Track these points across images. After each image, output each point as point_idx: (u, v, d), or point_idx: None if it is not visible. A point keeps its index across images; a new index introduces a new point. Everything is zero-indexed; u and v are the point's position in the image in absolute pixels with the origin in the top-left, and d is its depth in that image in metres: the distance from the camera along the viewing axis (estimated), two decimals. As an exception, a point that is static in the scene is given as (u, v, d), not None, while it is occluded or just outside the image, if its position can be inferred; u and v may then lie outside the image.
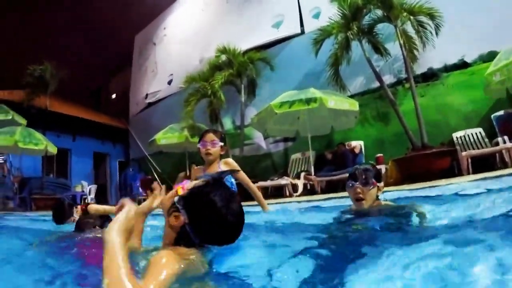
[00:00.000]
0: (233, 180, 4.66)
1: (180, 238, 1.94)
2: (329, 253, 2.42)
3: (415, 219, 3.36)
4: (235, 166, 4.81)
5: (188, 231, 1.93)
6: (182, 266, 1.73)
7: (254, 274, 1.96)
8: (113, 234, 1.60)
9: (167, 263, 1.69)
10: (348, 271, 1.87)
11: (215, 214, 1.94)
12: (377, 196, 3.70)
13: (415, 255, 1.89)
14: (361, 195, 3.62)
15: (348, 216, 3.83)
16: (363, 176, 3.63)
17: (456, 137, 12.01)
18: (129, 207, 1.75)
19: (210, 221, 1.95)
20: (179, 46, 24.13)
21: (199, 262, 1.89)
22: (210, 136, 4.67)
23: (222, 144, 4.68)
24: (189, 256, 1.86)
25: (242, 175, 4.80)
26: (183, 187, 2.02)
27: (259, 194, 5.17)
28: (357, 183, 3.63)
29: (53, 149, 18.48)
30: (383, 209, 3.69)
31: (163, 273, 1.63)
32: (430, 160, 10.35)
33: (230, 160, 4.84)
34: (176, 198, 1.95)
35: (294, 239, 3.18)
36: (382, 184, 3.73)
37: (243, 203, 2.10)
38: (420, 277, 1.68)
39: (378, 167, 11.68)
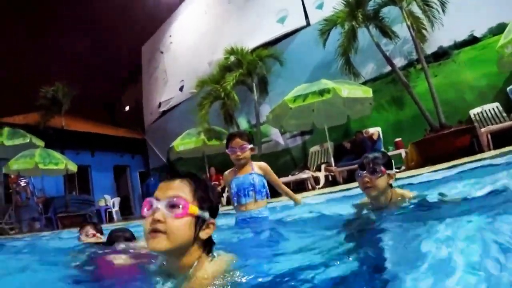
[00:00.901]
0: (265, 181, 4.65)
1: (206, 246, 1.93)
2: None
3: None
4: (269, 170, 4.79)
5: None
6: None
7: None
8: None
9: None
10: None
11: (218, 192, 2.03)
12: (391, 185, 3.69)
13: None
14: (368, 184, 3.61)
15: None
16: (370, 165, 3.61)
17: (473, 114, 11.89)
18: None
19: (217, 204, 2.03)
20: (186, 51, 24.24)
21: None
22: (238, 141, 4.57)
23: (251, 146, 4.62)
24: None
25: (275, 177, 4.80)
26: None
27: (291, 192, 5.18)
28: (365, 172, 3.62)
29: (73, 167, 18.67)
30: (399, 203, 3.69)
31: None
32: (449, 140, 10.26)
33: (263, 164, 4.74)
34: (204, 214, 1.86)
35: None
36: (393, 171, 3.69)
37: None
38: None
39: (398, 151, 11.75)
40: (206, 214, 1.86)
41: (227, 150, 4.67)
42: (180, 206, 1.78)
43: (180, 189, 1.85)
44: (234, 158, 4.57)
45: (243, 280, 1.80)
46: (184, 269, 1.78)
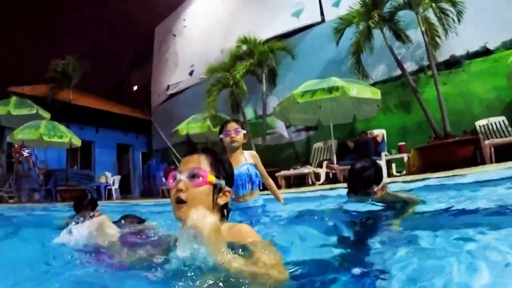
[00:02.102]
0: (257, 171, 4.73)
1: (224, 212, 2.11)
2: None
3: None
4: (258, 159, 4.87)
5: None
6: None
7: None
8: (228, 259, 1.62)
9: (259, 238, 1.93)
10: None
11: (231, 165, 2.21)
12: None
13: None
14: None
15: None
16: (363, 189, 3.66)
17: (479, 126, 11.85)
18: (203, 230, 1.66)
19: (232, 172, 2.22)
20: (199, 37, 24.21)
21: None
22: (232, 124, 4.71)
23: (244, 132, 4.73)
24: None
25: (262, 169, 4.89)
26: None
27: (275, 187, 5.26)
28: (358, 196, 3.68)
29: (77, 142, 18.81)
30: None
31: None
32: (452, 149, 10.32)
33: (254, 153, 4.84)
34: (220, 181, 2.03)
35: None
36: (382, 183, 3.73)
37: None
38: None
39: (400, 155, 11.80)
40: (222, 182, 2.04)
41: (221, 136, 4.76)
42: (200, 176, 1.98)
43: (199, 162, 2.04)
44: (228, 141, 4.65)
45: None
46: None
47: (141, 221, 4.11)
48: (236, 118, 16.26)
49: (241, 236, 1.91)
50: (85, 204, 4.98)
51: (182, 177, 1.98)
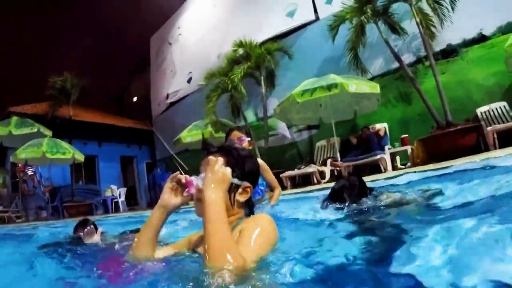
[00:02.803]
0: (264, 181, 4.75)
1: (250, 205, 2.14)
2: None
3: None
4: (266, 167, 4.87)
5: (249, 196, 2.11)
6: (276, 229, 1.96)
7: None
8: (209, 193, 1.83)
9: (270, 231, 1.92)
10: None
11: (255, 163, 2.20)
12: None
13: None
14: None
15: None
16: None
17: (480, 112, 11.77)
18: (213, 160, 1.93)
19: (256, 170, 2.22)
20: (195, 43, 24.29)
21: None
22: (236, 133, 4.78)
23: (249, 139, 4.74)
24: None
25: (270, 178, 4.89)
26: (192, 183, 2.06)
27: (277, 196, 5.21)
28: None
29: (80, 157, 18.80)
30: None
31: (263, 242, 1.83)
32: (455, 138, 10.28)
33: (261, 161, 4.82)
34: (235, 180, 2.01)
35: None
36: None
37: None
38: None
39: (404, 148, 11.79)
40: (236, 180, 2.02)
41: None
42: None
43: None
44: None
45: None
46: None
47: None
48: (239, 124, 16.33)
49: (250, 219, 2.01)
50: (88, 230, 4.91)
51: (200, 178, 2.00)
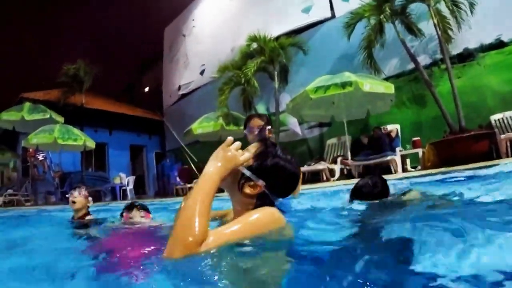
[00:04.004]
0: None
1: (261, 203, 2.04)
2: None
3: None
4: None
5: (266, 193, 2.04)
6: (277, 224, 1.93)
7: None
8: (208, 164, 1.89)
9: (260, 220, 1.88)
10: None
11: (290, 169, 2.12)
12: None
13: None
14: None
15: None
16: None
17: (494, 120, 11.68)
18: (229, 139, 1.96)
19: (287, 177, 2.13)
20: (209, 36, 24.26)
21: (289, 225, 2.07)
22: (256, 121, 4.59)
23: (269, 127, 4.59)
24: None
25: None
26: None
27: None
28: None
29: (91, 144, 18.91)
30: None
31: (241, 228, 1.79)
32: (468, 144, 10.20)
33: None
34: (246, 170, 2.00)
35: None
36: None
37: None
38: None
39: (415, 150, 11.73)
40: (248, 172, 2.00)
41: (244, 131, 4.68)
42: None
43: (248, 149, 2.10)
44: (251, 138, 4.49)
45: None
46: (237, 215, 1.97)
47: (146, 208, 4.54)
48: (258, 113, 16.32)
49: (253, 210, 1.98)
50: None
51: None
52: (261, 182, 2.01)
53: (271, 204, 2.07)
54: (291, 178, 2.15)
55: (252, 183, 2.01)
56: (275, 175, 2.05)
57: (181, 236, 1.59)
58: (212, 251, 1.59)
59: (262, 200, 2.04)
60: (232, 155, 1.92)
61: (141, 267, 1.83)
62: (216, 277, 1.54)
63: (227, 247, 1.66)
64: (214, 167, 1.86)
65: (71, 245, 3.58)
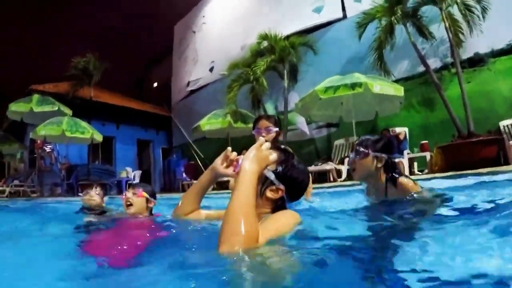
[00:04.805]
0: None
1: (278, 207, 2.13)
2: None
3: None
4: None
5: (283, 198, 2.14)
6: (299, 225, 2.04)
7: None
8: (247, 163, 1.94)
9: (288, 220, 2.03)
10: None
11: (303, 179, 2.23)
12: (384, 169, 3.57)
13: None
14: (352, 166, 3.64)
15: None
16: (356, 148, 3.61)
17: (503, 126, 11.62)
18: (261, 140, 2.05)
19: (301, 185, 2.23)
20: (219, 33, 24.25)
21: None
22: (264, 122, 4.67)
23: (277, 129, 4.69)
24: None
25: None
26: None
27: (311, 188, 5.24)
28: (352, 155, 3.65)
29: (98, 137, 18.99)
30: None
31: (280, 228, 1.92)
32: (476, 149, 10.18)
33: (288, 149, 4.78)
34: (271, 175, 2.08)
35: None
36: (384, 155, 3.51)
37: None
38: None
39: (423, 154, 11.69)
40: (273, 176, 2.08)
41: (253, 132, 4.76)
42: None
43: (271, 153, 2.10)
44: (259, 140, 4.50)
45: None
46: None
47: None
48: (260, 113, 16.34)
49: (276, 213, 2.09)
50: None
51: None
52: (282, 187, 2.09)
53: (285, 207, 2.17)
54: (304, 185, 2.26)
55: (274, 187, 2.09)
56: (292, 183, 2.14)
57: (241, 229, 1.64)
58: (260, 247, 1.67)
59: (279, 204, 2.14)
60: (265, 155, 2.01)
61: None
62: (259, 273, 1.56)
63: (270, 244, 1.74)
64: (251, 165, 1.93)
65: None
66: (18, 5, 27.23)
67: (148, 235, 3.04)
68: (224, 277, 1.48)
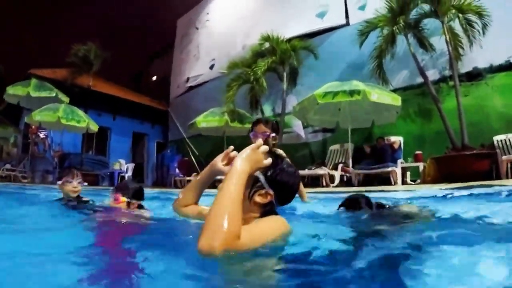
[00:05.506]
0: None
1: (267, 211, 2.11)
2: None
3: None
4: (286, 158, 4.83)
5: (272, 203, 2.10)
6: (287, 231, 2.05)
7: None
8: (239, 161, 1.92)
9: (274, 225, 2.01)
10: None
11: (293, 184, 2.20)
12: None
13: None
14: None
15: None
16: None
17: (497, 140, 11.78)
18: (259, 142, 2.03)
19: (290, 190, 2.21)
20: (222, 31, 24.25)
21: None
22: (261, 127, 4.68)
23: (273, 134, 4.70)
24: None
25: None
26: None
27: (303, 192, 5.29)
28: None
29: (94, 127, 18.94)
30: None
31: (265, 231, 1.92)
32: (469, 161, 10.28)
33: (281, 152, 4.83)
34: (262, 178, 2.05)
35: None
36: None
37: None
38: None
39: (416, 164, 11.81)
40: (263, 179, 2.05)
41: (250, 134, 4.77)
42: None
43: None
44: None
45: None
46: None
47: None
48: (256, 117, 16.39)
49: (264, 218, 2.07)
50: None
51: None
52: (271, 191, 2.06)
53: (275, 212, 2.17)
54: (294, 190, 2.25)
55: (263, 191, 2.06)
56: (281, 187, 2.12)
57: (223, 225, 1.60)
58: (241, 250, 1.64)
59: (268, 208, 2.12)
60: (260, 158, 2.00)
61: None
62: (240, 277, 1.62)
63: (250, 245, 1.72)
64: (243, 165, 1.91)
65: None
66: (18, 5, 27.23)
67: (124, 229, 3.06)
68: (196, 273, 1.52)
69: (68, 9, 28.40)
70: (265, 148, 2.04)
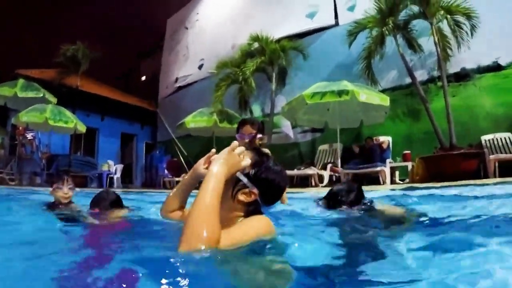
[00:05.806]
0: None
1: (252, 210, 2.10)
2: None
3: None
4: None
5: (257, 201, 2.10)
6: (270, 231, 2.04)
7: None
8: (215, 166, 1.93)
9: (257, 226, 2.00)
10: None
11: (279, 182, 2.18)
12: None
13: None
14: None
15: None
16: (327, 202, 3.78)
17: (485, 140, 11.90)
18: (234, 144, 2.03)
19: (276, 188, 2.19)
20: (211, 31, 24.24)
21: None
22: (248, 128, 4.68)
23: (260, 136, 4.70)
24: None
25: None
26: None
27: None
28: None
29: (82, 128, 18.70)
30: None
31: (247, 231, 1.92)
32: (457, 161, 10.38)
33: (267, 151, 4.82)
34: (243, 178, 2.05)
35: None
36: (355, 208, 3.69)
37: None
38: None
39: (405, 163, 11.86)
40: (246, 179, 2.05)
41: (236, 135, 4.72)
42: None
43: (244, 155, 2.11)
44: (241, 144, 4.49)
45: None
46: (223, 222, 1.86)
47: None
48: (244, 115, 16.39)
49: (248, 218, 2.07)
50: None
51: None
52: (256, 190, 2.06)
53: (260, 211, 2.16)
54: (280, 189, 2.24)
55: (246, 190, 2.06)
56: (267, 185, 2.12)
57: (201, 231, 1.63)
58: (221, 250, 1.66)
59: (253, 207, 2.11)
60: (236, 160, 2.01)
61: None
62: (220, 277, 1.60)
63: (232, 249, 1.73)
64: (221, 169, 1.91)
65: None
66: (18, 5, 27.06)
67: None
68: (174, 277, 1.47)
69: (68, 9, 28.24)
70: (241, 149, 2.04)
